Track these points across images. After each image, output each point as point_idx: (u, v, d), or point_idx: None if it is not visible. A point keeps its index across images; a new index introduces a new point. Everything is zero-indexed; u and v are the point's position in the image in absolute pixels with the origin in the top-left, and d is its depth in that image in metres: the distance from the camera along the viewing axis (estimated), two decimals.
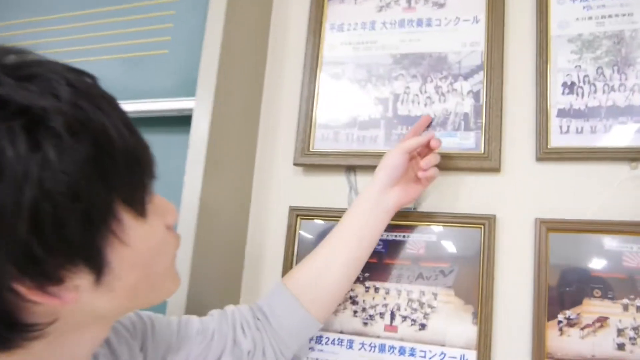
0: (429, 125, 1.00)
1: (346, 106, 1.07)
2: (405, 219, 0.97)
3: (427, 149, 0.91)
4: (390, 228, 0.96)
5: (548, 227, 0.89)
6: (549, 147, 0.92)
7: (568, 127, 0.92)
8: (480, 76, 0.99)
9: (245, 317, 0.80)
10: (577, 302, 0.84)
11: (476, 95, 0.99)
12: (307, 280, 0.82)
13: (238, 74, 1.07)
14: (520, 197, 0.94)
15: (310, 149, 1.07)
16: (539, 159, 0.93)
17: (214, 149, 0.99)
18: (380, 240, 0.96)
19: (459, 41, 1.02)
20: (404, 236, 0.98)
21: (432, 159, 0.88)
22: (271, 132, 1.14)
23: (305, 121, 1.08)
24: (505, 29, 1.00)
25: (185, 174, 0.96)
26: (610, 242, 0.85)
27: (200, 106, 1.00)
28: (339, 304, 0.95)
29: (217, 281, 1.01)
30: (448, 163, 0.96)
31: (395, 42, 1.06)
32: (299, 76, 1.12)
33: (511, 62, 0.99)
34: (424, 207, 0.99)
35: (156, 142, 0.50)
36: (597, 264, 0.84)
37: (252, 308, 0.82)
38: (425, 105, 1.02)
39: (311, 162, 1.06)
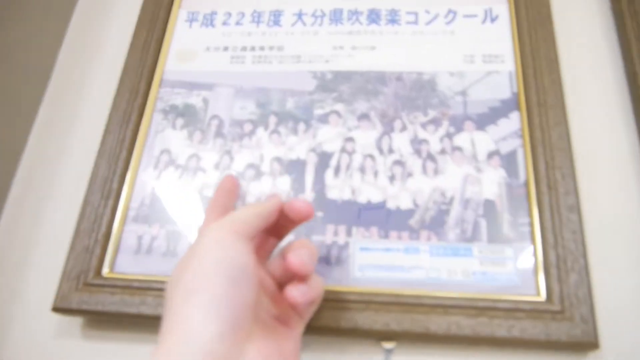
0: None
1: (205, 175, 0.45)
2: None
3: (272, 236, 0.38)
4: None
5: None
6: None
7: None
8: (515, 122, 0.44)
9: None
10: None
11: (510, 162, 0.43)
12: None
13: None
14: None
15: (104, 273, 0.41)
16: None
17: None
18: None
19: (458, 52, 0.48)
20: None
21: (306, 250, 0.34)
22: (31, 239, 0.47)
23: (94, 204, 0.44)
24: (555, 25, 0.47)
25: None
26: None
27: None
28: None
29: None
30: (451, 324, 0.36)
31: (324, 49, 0.50)
32: (106, 105, 0.49)
33: (583, 89, 0.46)
34: None
35: None
36: None
37: None
38: (393, 179, 0.43)
39: (93, 305, 0.40)
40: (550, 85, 0.44)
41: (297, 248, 0.34)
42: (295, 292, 0.32)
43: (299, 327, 0.34)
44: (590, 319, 0.36)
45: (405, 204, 0.42)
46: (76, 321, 0.42)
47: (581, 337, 0.35)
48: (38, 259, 0.45)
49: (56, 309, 0.40)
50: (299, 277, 0.33)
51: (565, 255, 0.38)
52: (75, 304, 0.40)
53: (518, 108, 0.44)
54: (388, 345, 0.39)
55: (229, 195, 0.39)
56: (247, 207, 0.34)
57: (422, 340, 0.38)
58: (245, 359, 0.28)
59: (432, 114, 0.45)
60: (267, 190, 0.44)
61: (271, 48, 0.50)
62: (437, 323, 0.37)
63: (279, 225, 0.36)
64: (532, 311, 0.37)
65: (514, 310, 0.37)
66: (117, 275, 0.41)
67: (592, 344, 0.36)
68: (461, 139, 0.44)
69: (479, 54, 0.47)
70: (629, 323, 0.38)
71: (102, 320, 0.42)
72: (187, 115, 0.48)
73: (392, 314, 0.38)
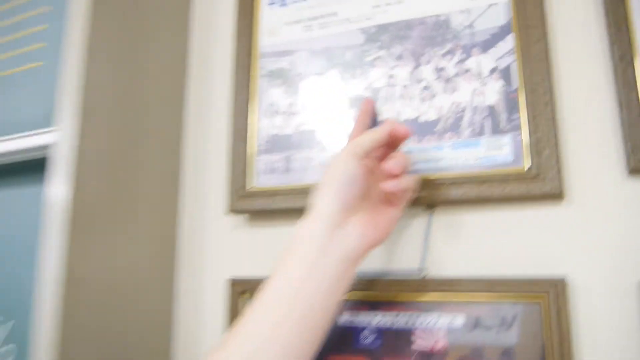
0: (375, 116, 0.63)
1: (300, 116, 0.68)
2: (407, 291, 0.57)
3: (388, 148, 0.56)
4: (383, 306, 0.57)
5: None
6: None
7: None
8: (509, 42, 0.60)
9: None
10: None
11: (506, 74, 0.59)
12: None
13: (131, 86, 0.70)
14: (607, 242, 0.53)
15: (249, 188, 0.68)
16: (634, 170, 0.53)
17: (85, 202, 0.61)
18: (371, 328, 0.57)
19: None
20: (407, 321, 0.57)
21: (402, 159, 0.53)
22: (199, 170, 0.76)
23: (238, 146, 0.69)
24: None
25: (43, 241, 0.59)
26: None
27: (61, 141, 0.63)
28: None
29: None
30: (469, 191, 0.57)
31: (365, 9, 0.68)
32: (227, 79, 0.74)
33: (560, 11, 0.60)
34: (437, 271, 0.59)
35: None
36: None
37: None
38: (423, 100, 0.62)
39: (250, 207, 0.67)
40: (532, 8, 0.58)
41: (396, 157, 0.52)
42: (390, 185, 0.51)
43: (399, 207, 0.54)
44: (557, 179, 0.54)
45: (432, 117, 0.61)
46: (239, 219, 0.70)
47: (549, 189, 0.54)
48: (213, 181, 0.73)
49: (230, 211, 0.68)
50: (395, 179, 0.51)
51: (541, 137, 0.56)
52: (238, 206, 0.67)
53: (512, 30, 0.60)
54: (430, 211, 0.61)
55: (367, 117, 0.61)
56: (367, 133, 0.52)
57: (448, 205, 0.60)
58: (349, 224, 0.49)
59: (448, 46, 0.62)
60: (339, 121, 0.66)
61: (328, 15, 0.69)
62: (456, 192, 0.58)
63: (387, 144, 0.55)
64: (518, 177, 0.56)
65: (506, 178, 0.56)
66: (260, 188, 0.68)
67: (557, 194, 0.54)
68: (470, 63, 0.61)
69: None
70: (588, 182, 0.55)
71: (259, 216, 0.69)
72: (281, 76, 0.70)
73: (430, 190, 0.59)
